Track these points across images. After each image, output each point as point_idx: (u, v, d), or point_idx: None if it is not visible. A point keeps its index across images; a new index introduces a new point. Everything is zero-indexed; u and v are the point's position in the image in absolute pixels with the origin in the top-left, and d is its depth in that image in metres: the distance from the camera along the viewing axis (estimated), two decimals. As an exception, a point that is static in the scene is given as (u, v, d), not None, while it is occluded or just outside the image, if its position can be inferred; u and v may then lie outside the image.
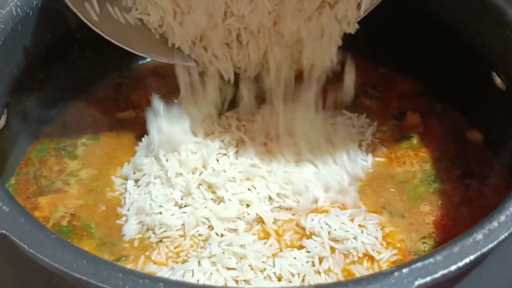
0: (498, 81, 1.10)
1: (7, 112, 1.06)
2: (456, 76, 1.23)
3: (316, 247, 1.00)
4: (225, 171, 1.08)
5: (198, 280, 0.94)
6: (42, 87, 1.20)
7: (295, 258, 0.99)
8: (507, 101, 1.08)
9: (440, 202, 1.11)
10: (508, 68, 1.05)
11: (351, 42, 1.22)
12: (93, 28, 1.07)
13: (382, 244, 1.02)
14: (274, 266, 0.98)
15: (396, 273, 0.72)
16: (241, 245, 0.99)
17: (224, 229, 1.04)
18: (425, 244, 1.04)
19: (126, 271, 0.72)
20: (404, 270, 0.72)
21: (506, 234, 0.76)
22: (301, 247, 1.02)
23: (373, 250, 1.01)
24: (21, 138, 1.19)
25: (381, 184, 1.14)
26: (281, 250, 1.01)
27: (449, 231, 1.06)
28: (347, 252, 1.00)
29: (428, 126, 1.24)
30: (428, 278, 0.71)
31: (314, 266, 0.98)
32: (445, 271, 0.72)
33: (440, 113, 1.26)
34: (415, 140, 1.21)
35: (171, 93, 1.26)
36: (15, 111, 1.10)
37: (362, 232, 1.02)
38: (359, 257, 1.00)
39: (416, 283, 0.71)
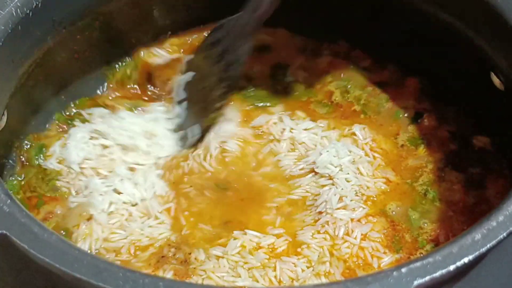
0: (497, 81, 1.10)
1: (7, 112, 1.07)
2: (457, 77, 1.23)
3: (315, 252, 1.01)
4: None
5: None
6: (42, 88, 1.21)
7: (293, 264, 0.99)
8: (506, 101, 1.08)
9: (442, 207, 1.10)
10: (506, 69, 1.06)
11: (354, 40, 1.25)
12: None
13: (385, 252, 1.02)
14: (275, 270, 0.99)
15: (395, 273, 0.72)
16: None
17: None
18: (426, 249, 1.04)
19: (126, 271, 0.72)
20: (403, 270, 0.72)
21: (504, 234, 0.76)
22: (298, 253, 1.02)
23: (372, 256, 1.01)
24: (21, 139, 1.19)
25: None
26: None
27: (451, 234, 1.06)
28: (346, 257, 1.01)
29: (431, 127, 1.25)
30: (427, 278, 0.71)
31: (314, 270, 0.99)
32: (444, 271, 0.72)
33: (442, 115, 1.26)
34: (421, 145, 1.21)
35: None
36: (15, 111, 1.10)
37: (364, 239, 1.03)
38: (359, 261, 1.01)
39: (415, 282, 0.71)
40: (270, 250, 1.02)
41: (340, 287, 0.72)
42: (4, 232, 0.75)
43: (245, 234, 1.03)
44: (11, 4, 1.02)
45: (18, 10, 1.02)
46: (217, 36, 1.19)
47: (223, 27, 1.18)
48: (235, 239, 1.02)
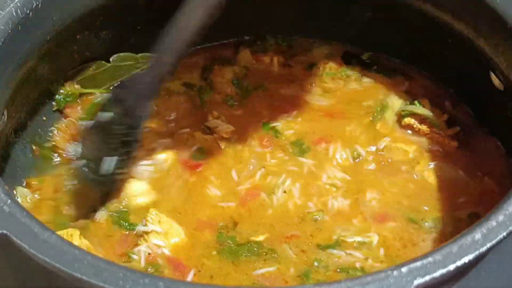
0: (496, 82, 1.10)
1: (7, 113, 1.07)
2: (456, 76, 1.23)
3: None
4: None
5: None
6: (42, 88, 1.21)
7: None
8: (506, 101, 1.08)
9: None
10: (506, 69, 1.06)
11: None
12: None
13: None
14: None
15: (395, 273, 0.72)
16: None
17: None
18: None
19: (126, 271, 0.72)
20: (403, 270, 0.72)
21: (504, 234, 0.76)
22: None
23: None
24: (21, 139, 1.19)
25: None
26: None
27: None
28: None
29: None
30: (427, 277, 0.71)
31: None
32: (444, 271, 0.72)
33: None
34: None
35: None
36: (15, 112, 1.10)
37: None
38: None
39: (415, 282, 0.71)
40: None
41: (341, 287, 0.72)
42: (4, 232, 0.75)
43: None
44: (11, 4, 1.02)
45: (18, 10, 1.02)
46: (120, 94, 1.06)
47: (126, 86, 1.09)
48: None
